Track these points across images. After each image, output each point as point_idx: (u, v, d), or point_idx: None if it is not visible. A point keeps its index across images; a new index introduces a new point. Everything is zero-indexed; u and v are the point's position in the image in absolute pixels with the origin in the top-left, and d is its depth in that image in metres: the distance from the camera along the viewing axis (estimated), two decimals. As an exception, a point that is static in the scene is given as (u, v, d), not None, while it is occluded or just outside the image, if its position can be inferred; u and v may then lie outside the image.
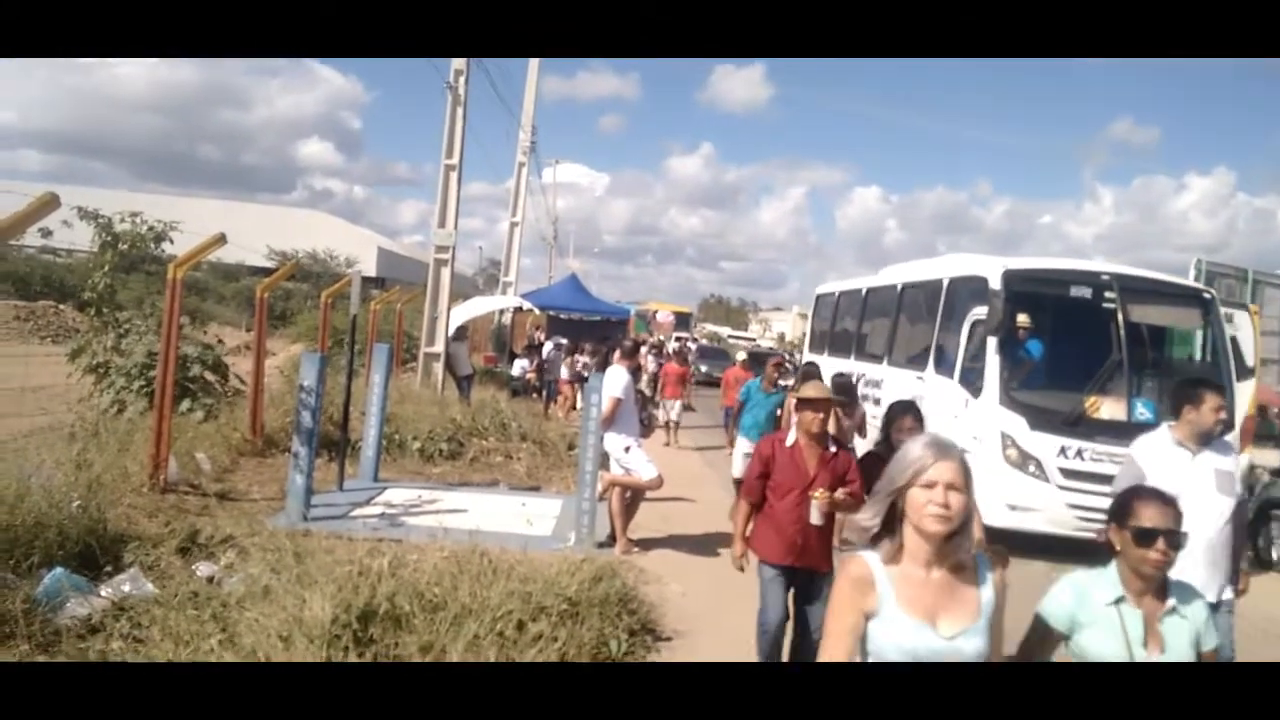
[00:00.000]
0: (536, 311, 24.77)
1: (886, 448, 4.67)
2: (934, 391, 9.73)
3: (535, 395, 17.98)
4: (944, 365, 9.80)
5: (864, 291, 13.78)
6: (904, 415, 4.89)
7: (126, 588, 4.83)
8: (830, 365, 12.98)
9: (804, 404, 4.67)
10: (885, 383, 11.49)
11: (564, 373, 17.31)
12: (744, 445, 8.58)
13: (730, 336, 44.71)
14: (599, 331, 22.63)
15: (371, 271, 44.27)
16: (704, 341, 36.99)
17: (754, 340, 45.95)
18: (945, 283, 10.40)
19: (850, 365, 12.73)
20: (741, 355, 16.15)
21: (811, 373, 8.57)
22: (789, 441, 4.65)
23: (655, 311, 42.91)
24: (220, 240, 7.74)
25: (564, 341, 18.76)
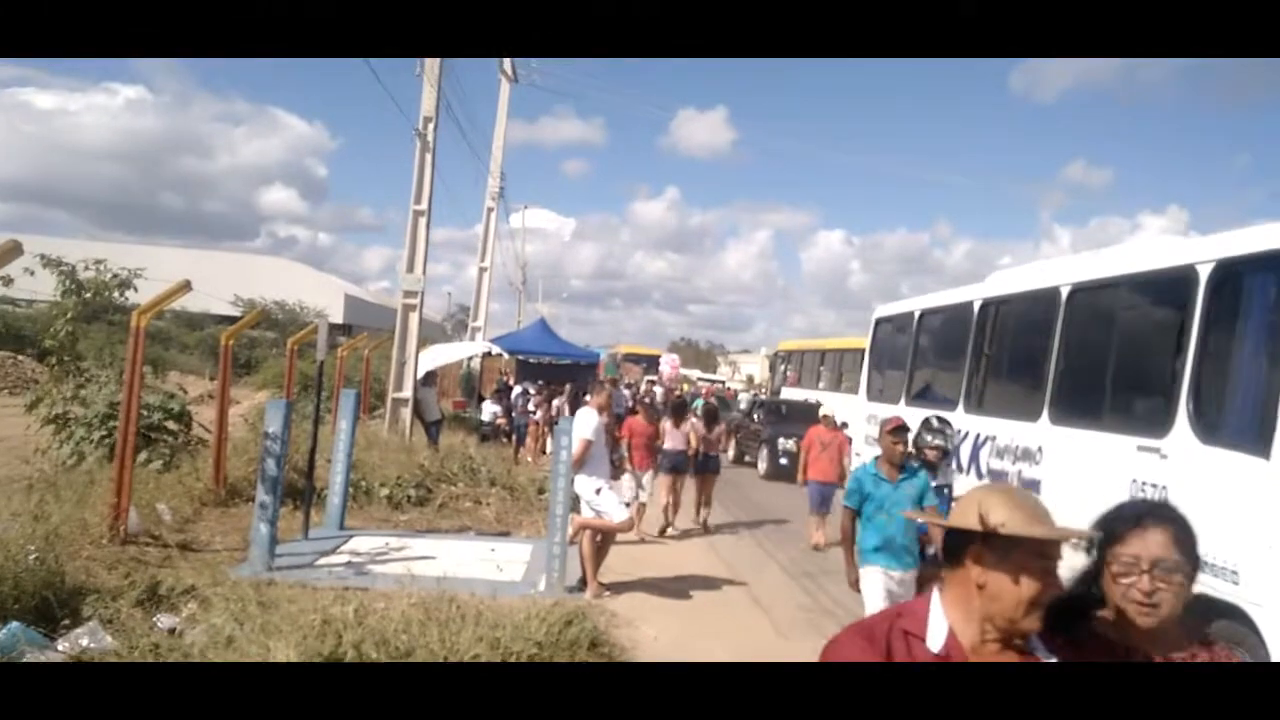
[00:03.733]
0: (506, 356, 24.72)
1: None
2: (1191, 470, 5.43)
3: (505, 440, 17.88)
4: (1212, 420, 5.45)
5: (976, 306, 8.95)
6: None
7: (85, 641, 4.71)
8: (915, 420, 7.76)
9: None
10: (1045, 453, 7.16)
11: (537, 415, 17.28)
12: (877, 580, 5.33)
13: (700, 379, 44.79)
14: (569, 375, 22.61)
15: (338, 318, 43.98)
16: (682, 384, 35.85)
17: (723, 383, 46.09)
18: (1205, 272, 5.67)
19: (956, 420, 8.12)
20: (825, 409, 12.48)
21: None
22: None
23: (651, 356, 42.92)
24: (185, 287, 7.68)
25: (531, 390, 18.72)
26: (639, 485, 10.75)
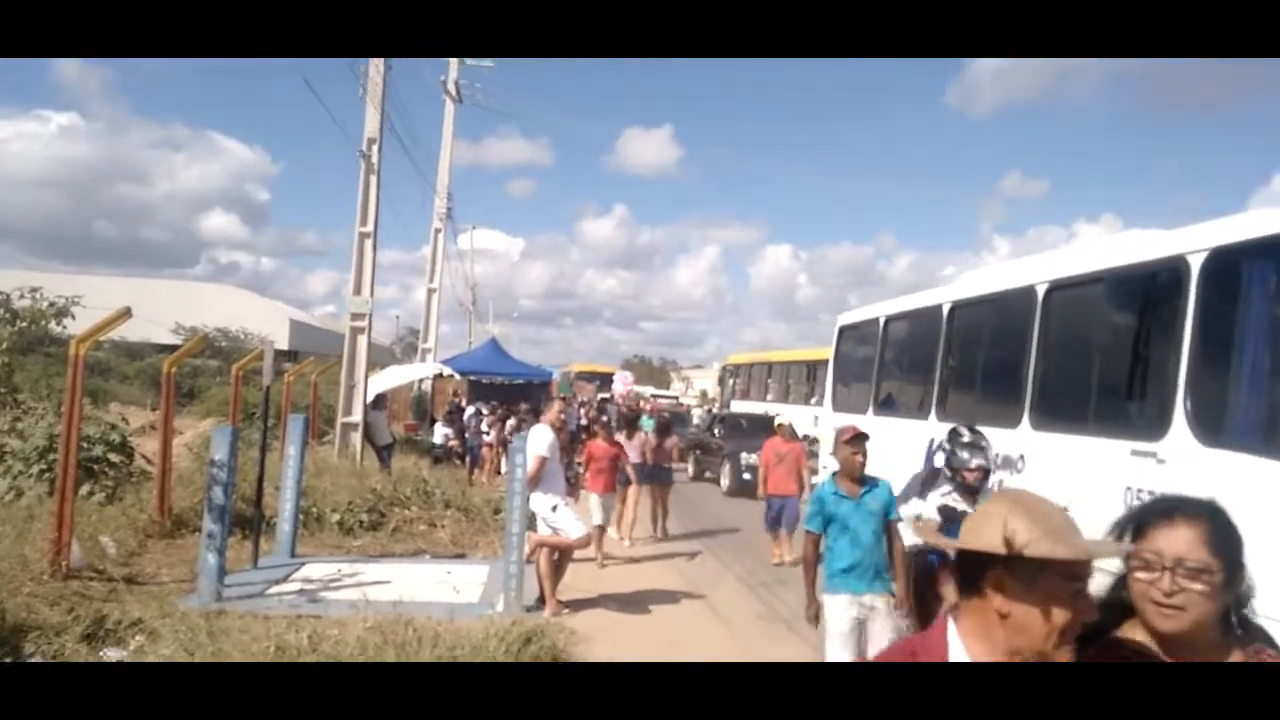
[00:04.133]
0: (457, 377, 24.53)
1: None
2: (1192, 475, 4.98)
3: (459, 462, 17.72)
4: (1213, 420, 5.10)
5: (946, 309, 8.48)
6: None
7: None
8: (883, 430, 8.41)
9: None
10: (1027, 461, 6.77)
11: (491, 435, 17.16)
12: (842, 610, 4.92)
13: (653, 395, 44.87)
14: (522, 395, 22.51)
15: (284, 344, 43.23)
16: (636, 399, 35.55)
17: (676, 399, 46.21)
18: (1198, 262, 5.27)
19: (927, 429, 8.18)
20: (780, 419, 11.76)
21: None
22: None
23: (605, 374, 42.86)
24: (125, 314, 7.52)
25: (484, 411, 18.59)
26: (604, 510, 10.25)
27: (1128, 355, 6.28)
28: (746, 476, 15.97)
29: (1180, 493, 1.88)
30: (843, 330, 11.64)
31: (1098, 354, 6.59)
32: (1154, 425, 5.42)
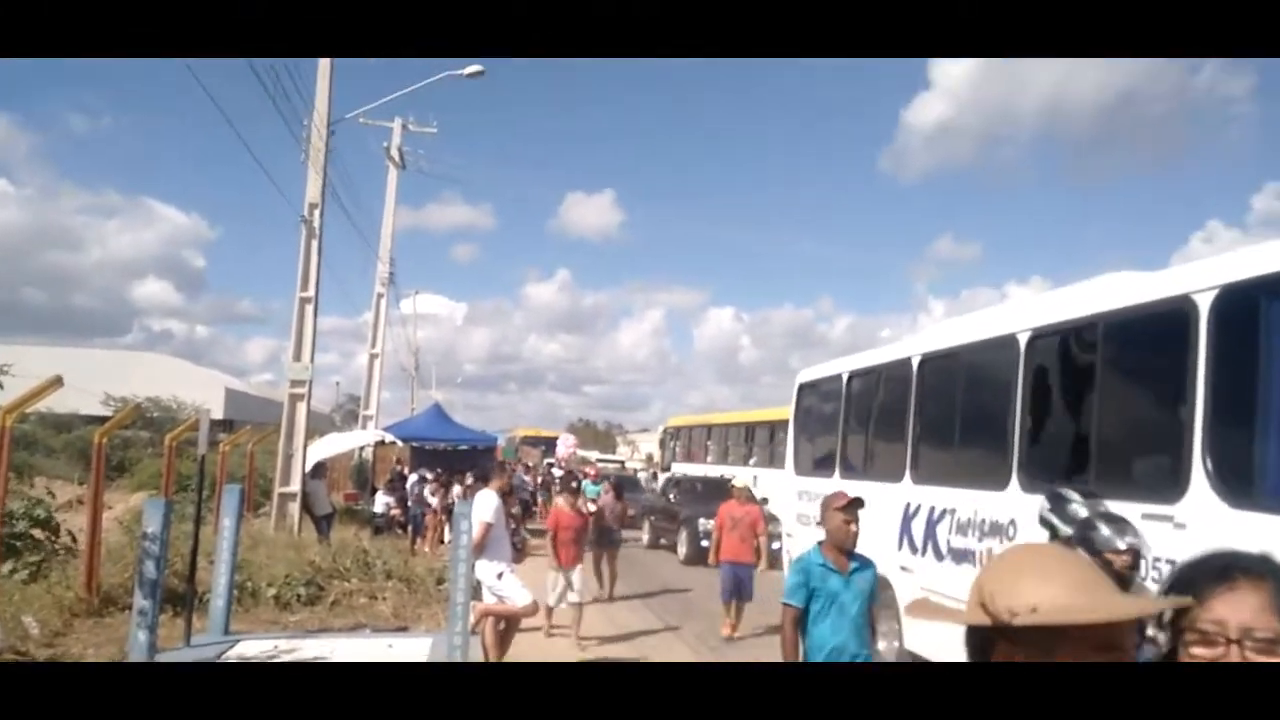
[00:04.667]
0: (399, 444, 24.16)
1: None
2: (1217, 541, 3.43)
3: (401, 531, 17.36)
4: (1238, 478, 4.62)
5: (916, 362, 7.97)
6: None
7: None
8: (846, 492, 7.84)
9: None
10: (1019, 527, 6.11)
11: (434, 503, 16.88)
12: None
13: (599, 460, 44.65)
14: (467, 461, 22.23)
15: (219, 413, 42.18)
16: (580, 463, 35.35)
17: (622, 463, 46.05)
18: (1206, 303, 4.84)
19: (901, 493, 7.79)
20: (736, 480, 10.92)
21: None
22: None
23: (549, 438, 42.58)
24: (56, 384, 7.31)
25: (429, 476, 18.32)
26: (569, 584, 9.22)
27: (1131, 407, 5.77)
28: (705, 543, 15.15)
29: (1227, 549, 1.56)
30: (802, 388, 11.08)
31: (1095, 407, 5.84)
32: (1169, 485, 4.85)
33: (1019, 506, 6.11)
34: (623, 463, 46.92)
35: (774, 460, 20.57)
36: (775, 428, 21.44)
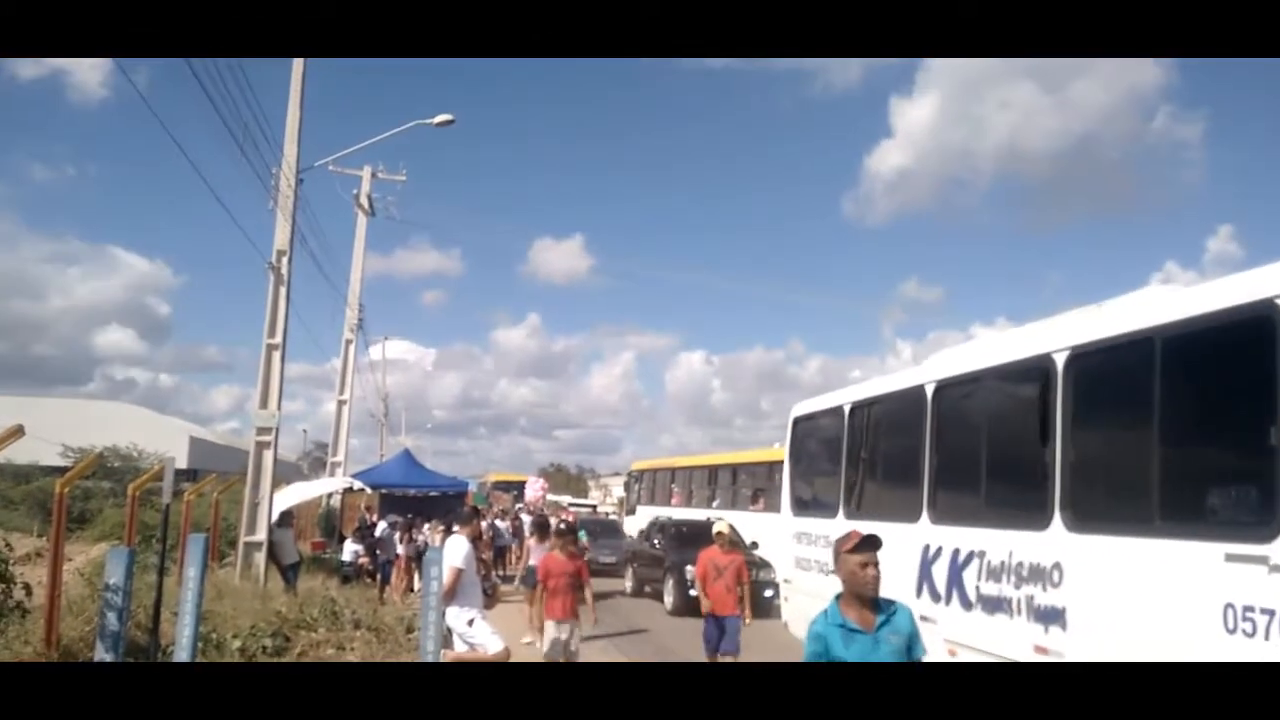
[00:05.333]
0: (369, 491, 23.86)
1: None
2: None
3: (369, 579, 17.09)
4: None
5: (930, 391, 7.32)
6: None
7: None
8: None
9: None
10: (1065, 573, 5.44)
11: (401, 550, 16.65)
12: None
13: (571, 504, 44.33)
14: (440, 507, 21.99)
15: (183, 462, 41.47)
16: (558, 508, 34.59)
17: (594, 507, 45.75)
18: None
19: (918, 534, 7.06)
20: (719, 525, 9.83)
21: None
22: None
23: (521, 483, 42.15)
24: (18, 433, 7.17)
25: (399, 520, 18.10)
26: (567, 640, 8.39)
27: (1201, 431, 4.93)
28: (694, 592, 14.27)
29: None
30: (797, 422, 10.39)
31: (1154, 432, 5.00)
32: (1258, 521, 4.17)
33: (1065, 550, 5.41)
34: (594, 506, 46.63)
35: (736, 502, 20.85)
36: (737, 470, 21.99)
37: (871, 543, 3.66)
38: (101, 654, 6.72)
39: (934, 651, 5.95)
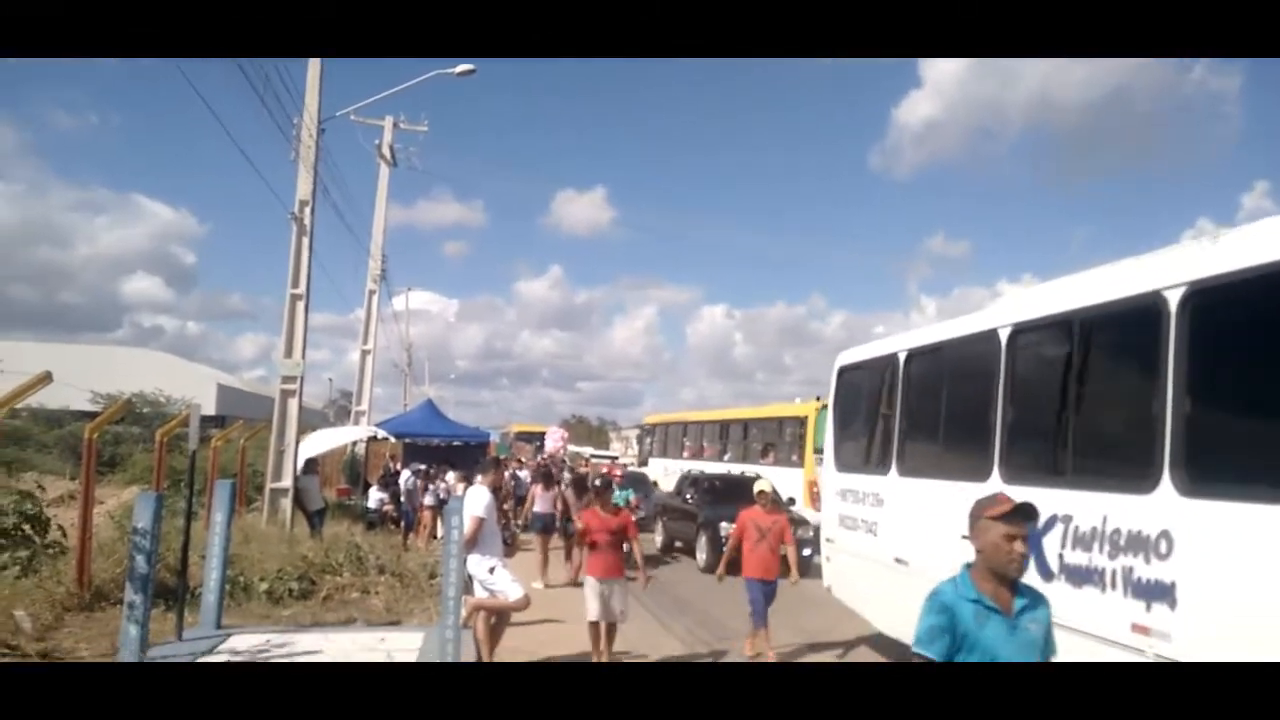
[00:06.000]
0: (392, 440, 24.15)
1: None
2: None
3: (393, 526, 17.36)
4: None
5: (1005, 336, 6.64)
6: None
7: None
8: (913, 497, 7.63)
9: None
10: (1176, 543, 4.73)
11: (426, 499, 16.89)
12: None
13: (593, 456, 44.65)
14: (460, 456, 22.23)
15: (211, 410, 42.10)
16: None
17: (615, 458, 46.06)
18: None
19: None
20: (761, 483, 9.24)
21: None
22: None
23: (534, 433, 42.55)
24: (45, 379, 7.29)
25: (422, 468, 18.34)
26: (609, 598, 7.84)
27: None
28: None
29: None
30: (843, 372, 9.79)
31: None
32: None
33: (1180, 516, 4.70)
34: (615, 458, 46.95)
35: (747, 456, 21.12)
36: (749, 425, 22.26)
37: (1025, 512, 3.07)
38: (131, 595, 6.88)
39: None
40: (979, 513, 3.15)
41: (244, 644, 8.02)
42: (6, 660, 4.13)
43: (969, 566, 3.14)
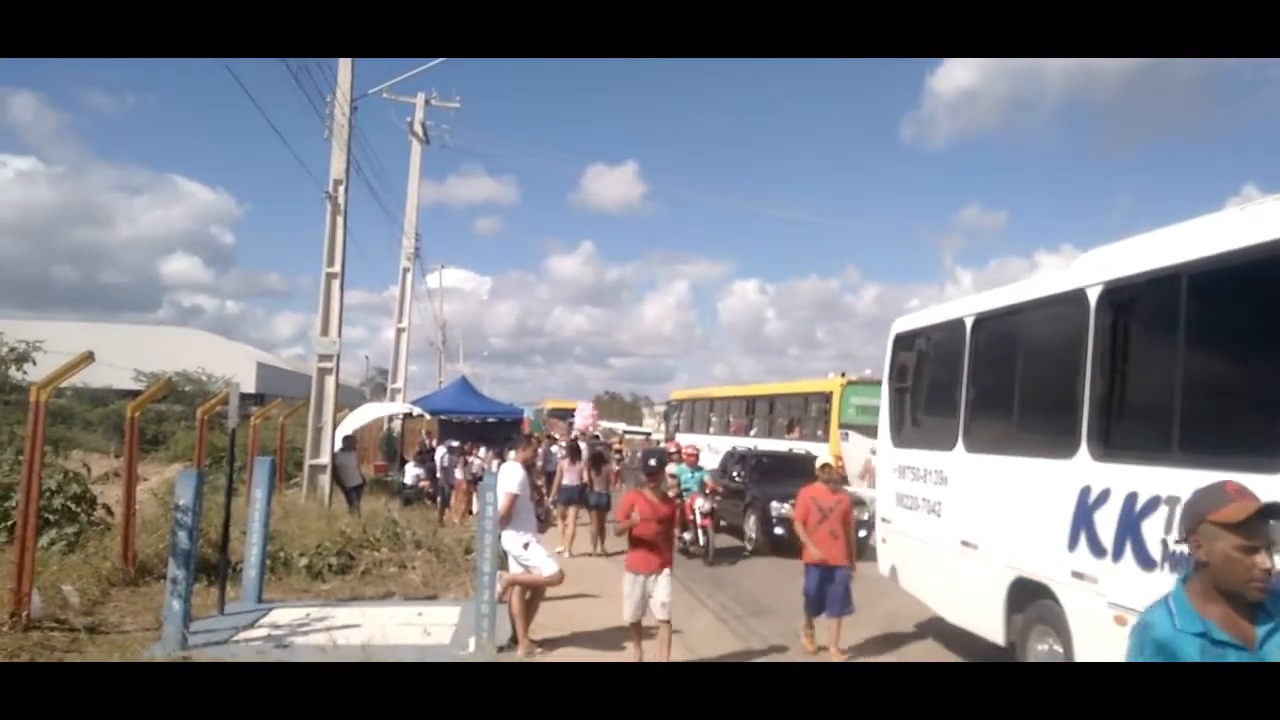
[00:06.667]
0: (427, 417, 24.36)
1: None
2: None
3: (430, 502, 17.56)
4: None
5: (1094, 296, 5.88)
6: None
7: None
8: (984, 475, 6.97)
9: None
10: None
11: (459, 475, 17.05)
12: None
13: (626, 432, 44.72)
14: (497, 433, 22.42)
15: (251, 387, 42.71)
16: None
17: (649, 435, 46.11)
18: None
19: (1074, 473, 5.74)
20: (824, 459, 8.75)
21: None
22: None
23: (567, 409, 42.64)
24: (88, 359, 7.43)
25: (456, 444, 18.50)
26: (640, 597, 6.83)
27: None
28: (779, 531, 13.19)
29: None
30: (900, 340, 9.07)
31: None
32: None
33: None
34: (648, 434, 47.00)
35: (773, 432, 21.12)
36: (775, 401, 22.20)
37: (1272, 514, 2.20)
38: (174, 570, 7.02)
39: (1099, 618, 5.27)
40: (1200, 512, 2.27)
41: (284, 618, 8.17)
42: (7, 661, 4.23)
43: (1184, 580, 2.29)
